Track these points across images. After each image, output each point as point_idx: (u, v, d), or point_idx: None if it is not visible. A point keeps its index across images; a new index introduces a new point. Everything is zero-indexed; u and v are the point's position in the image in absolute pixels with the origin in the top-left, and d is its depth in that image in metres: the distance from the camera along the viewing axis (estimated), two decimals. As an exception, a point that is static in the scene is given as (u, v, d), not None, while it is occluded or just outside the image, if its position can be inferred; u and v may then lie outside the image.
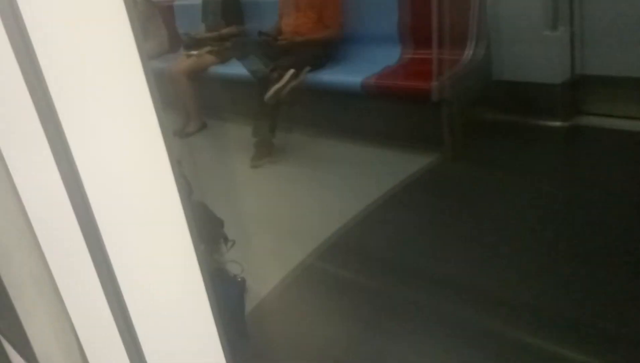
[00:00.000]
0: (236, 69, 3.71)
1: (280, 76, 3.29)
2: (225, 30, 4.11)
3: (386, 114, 3.24)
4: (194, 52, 4.04)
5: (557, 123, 3.02)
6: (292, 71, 3.30)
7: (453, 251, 2.23)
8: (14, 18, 0.52)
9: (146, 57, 0.58)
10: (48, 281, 0.70)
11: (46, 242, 0.67)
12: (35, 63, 0.53)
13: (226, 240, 1.94)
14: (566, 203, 2.43)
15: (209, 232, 1.88)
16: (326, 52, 3.60)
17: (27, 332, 0.84)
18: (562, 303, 1.87)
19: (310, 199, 2.86)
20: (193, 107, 4.03)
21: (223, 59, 4.01)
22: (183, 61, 4.07)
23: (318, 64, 3.50)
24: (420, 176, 2.84)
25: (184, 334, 0.71)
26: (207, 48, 4.04)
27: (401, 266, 2.22)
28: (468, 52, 3.07)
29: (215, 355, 0.75)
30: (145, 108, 0.60)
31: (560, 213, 2.37)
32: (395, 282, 2.13)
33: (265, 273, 2.27)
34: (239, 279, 1.87)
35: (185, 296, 0.69)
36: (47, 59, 0.54)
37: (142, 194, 0.63)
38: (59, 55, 0.55)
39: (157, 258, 0.66)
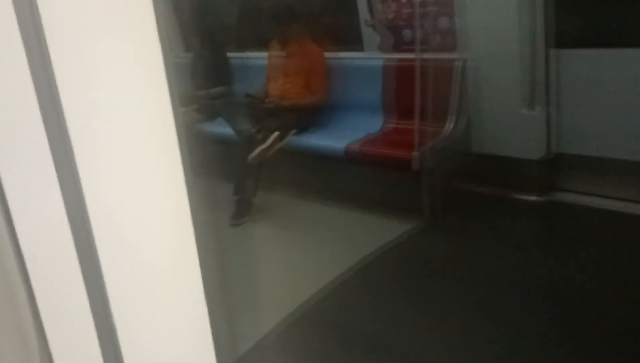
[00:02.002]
0: (221, 128, 3.76)
1: (266, 138, 3.34)
2: (213, 90, 4.19)
3: (368, 180, 3.30)
4: (181, 109, 4.09)
5: (533, 198, 3.10)
6: (277, 133, 3.37)
7: (424, 324, 2.22)
8: (40, 52, 0.53)
9: (178, 106, 0.59)
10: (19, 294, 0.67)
11: (40, 288, 0.65)
12: (57, 101, 0.54)
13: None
14: (538, 278, 2.46)
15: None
16: (311, 117, 3.68)
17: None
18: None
19: (288, 262, 2.84)
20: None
21: (209, 117, 4.06)
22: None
23: (303, 127, 3.58)
24: (398, 244, 2.85)
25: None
26: (194, 106, 4.10)
27: (374, 339, 2.19)
28: (449, 125, 3.18)
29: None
30: (171, 156, 0.60)
31: (533, 287, 2.39)
32: (367, 356, 2.10)
33: (239, 336, 2.22)
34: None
35: (190, 350, 0.67)
36: (70, 99, 0.54)
37: (158, 242, 0.62)
38: (81, 88, 0.55)
39: (162, 310, 0.65)
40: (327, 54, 3.70)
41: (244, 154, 3.33)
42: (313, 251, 2.93)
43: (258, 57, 4.16)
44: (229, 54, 4.36)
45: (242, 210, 3.36)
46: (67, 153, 0.56)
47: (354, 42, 3.75)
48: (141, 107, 0.59)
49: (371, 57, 3.69)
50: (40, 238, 0.63)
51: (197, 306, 0.66)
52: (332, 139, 3.43)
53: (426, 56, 3.10)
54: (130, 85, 0.58)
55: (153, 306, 0.65)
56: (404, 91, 3.28)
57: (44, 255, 0.64)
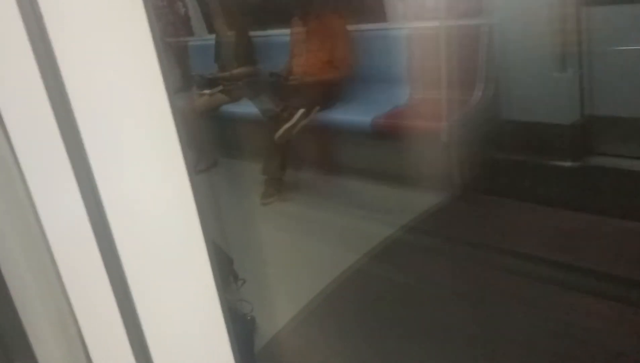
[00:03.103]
0: (247, 108, 3.76)
1: (291, 116, 3.33)
2: (237, 70, 4.19)
3: (396, 153, 3.25)
4: (207, 91, 4.11)
5: (568, 163, 3.01)
6: (302, 110, 3.35)
7: (458, 303, 2.20)
8: (46, 52, 0.54)
9: (172, 93, 0.60)
10: (64, 309, 0.71)
11: (68, 276, 0.67)
12: (64, 96, 0.55)
13: (236, 278, 1.94)
14: (575, 249, 2.40)
15: (219, 270, 1.88)
16: (336, 92, 3.65)
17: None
18: None
19: (320, 238, 2.85)
20: (204, 144, 4.08)
21: (234, 98, 4.07)
22: (195, 100, 4.14)
23: (328, 103, 3.55)
24: (429, 217, 2.83)
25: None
26: (220, 87, 4.11)
27: (406, 315, 2.18)
28: (477, 93, 3.10)
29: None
30: (171, 145, 0.61)
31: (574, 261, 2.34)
32: (397, 333, 2.09)
33: (274, 312, 2.25)
34: (249, 318, 1.86)
35: (205, 333, 0.69)
36: (75, 90, 0.56)
37: (165, 226, 0.63)
38: (87, 87, 0.56)
39: (178, 293, 0.66)
40: (350, 27, 3.64)
41: (269, 133, 3.33)
42: (344, 228, 2.93)
43: (280, 35, 4.13)
44: (252, 33, 4.34)
45: (272, 189, 3.38)
46: (79, 150, 0.58)
47: (377, 12, 3.67)
48: (137, 96, 0.60)
49: (395, 27, 3.62)
50: (65, 234, 0.65)
51: (208, 292, 0.68)
52: (358, 114, 3.40)
53: (451, 22, 3.01)
54: (123, 72, 0.59)
55: (168, 294, 0.67)
56: (430, 61, 3.20)
57: (70, 251, 0.66)
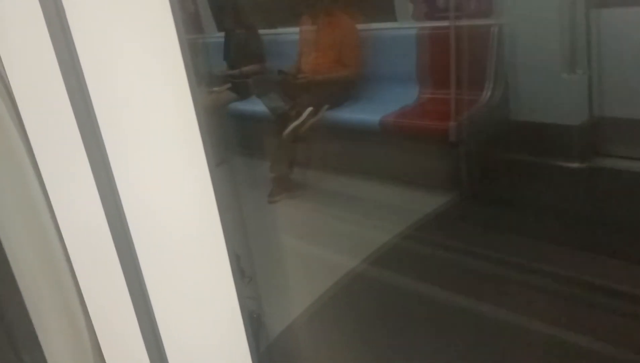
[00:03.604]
0: (256, 106, 3.76)
1: (299, 114, 3.34)
2: (246, 68, 4.19)
3: (403, 152, 3.25)
4: (215, 89, 4.12)
5: (575, 164, 3.00)
6: (310, 108, 3.36)
7: (467, 304, 2.20)
8: (68, 51, 0.54)
9: (196, 88, 0.60)
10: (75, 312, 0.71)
11: (84, 278, 0.67)
12: (84, 90, 0.55)
13: (243, 275, 1.94)
14: (587, 250, 2.39)
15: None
16: (345, 90, 3.65)
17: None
18: None
19: (327, 237, 2.86)
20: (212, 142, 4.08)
21: (243, 96, 4.08)
22: (204, 97, 4.14)
23: (336, 102, 3.55)
24: (438, 216, 2.82)
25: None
26: (228, 85, 4.12)
27: (413, 311, 2.19)
28: (486, 93, 3.10)
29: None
30: (193, 140, 0.61)
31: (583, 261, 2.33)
32: (408, 327, 2.10)
33: (281, 310, 2.26)
34: (255, 315, 1.86)
35: (222, 332, 0.69)
36: (95, 84, 0.56)
37: (184, 222, 0.64)
38: (107, 81, 0.57)
39: (195, 292, 0.67)
40: (359, 26, 3.64)
41: (278, 131, 3.34)
42: (351, 226, 2.93)
43: (290, 33, 4.13)
44: (261, 31, 4.34)
45: (280, 187, 3.39)
46: (99, 148, 0.58)
47: (386, 11, 3.67)
48: (160, 92, 0.60)
49: (404, 26, 3.61)
50: (80, 229, 0.65)
51: (226, 290, 0.68)
52: (366, 113, 3.40)
53: (461, 22, 3.01)
54: (147, 71, 0.59)
55: (186, 292, 0.67)
56: (439, 60, 3.20)
57: (85, 246, 0.66)
